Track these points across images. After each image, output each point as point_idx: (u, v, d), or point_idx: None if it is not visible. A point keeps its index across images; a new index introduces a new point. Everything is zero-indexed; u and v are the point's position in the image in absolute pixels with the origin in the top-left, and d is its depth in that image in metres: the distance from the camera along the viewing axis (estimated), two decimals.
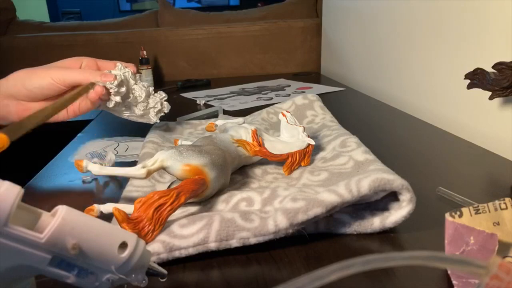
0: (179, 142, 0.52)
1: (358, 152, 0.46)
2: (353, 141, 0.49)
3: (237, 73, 1.52)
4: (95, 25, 1.60)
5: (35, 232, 0.21)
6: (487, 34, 0.64)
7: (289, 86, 1.20)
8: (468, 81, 0.57)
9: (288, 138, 0.49)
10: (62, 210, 0.23)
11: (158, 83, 1.35)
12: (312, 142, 0.47)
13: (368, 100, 0.97)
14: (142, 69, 1.26)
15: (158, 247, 0.32)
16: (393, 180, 0.34)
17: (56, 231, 0.22)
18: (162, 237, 0.33)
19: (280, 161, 0.47)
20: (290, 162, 0.47)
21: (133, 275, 0.25)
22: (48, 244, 0.21)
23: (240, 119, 0.52)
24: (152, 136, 0.60)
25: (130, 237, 0.25)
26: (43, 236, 0.21)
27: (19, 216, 0.21)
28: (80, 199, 0.47)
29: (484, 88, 0.55)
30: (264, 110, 0.68)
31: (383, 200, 0.37)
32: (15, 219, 0.21)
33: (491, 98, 0.55)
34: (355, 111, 0.87)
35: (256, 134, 0.47)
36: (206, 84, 1.30)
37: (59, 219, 0.22)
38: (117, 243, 0.24)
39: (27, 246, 0.21)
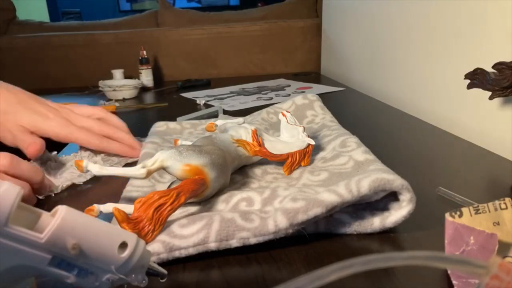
0: (179, 142, 0.52)
1: (358, 152, 0.46)
2: (353, 141, 0.49)
3: (237, 73, 1.52)
4: (95, 25, 1.60)
5: (35, 232, 0.21)
6: (487, 34, 0.64)
7: (289, 86, 1.20)
8: (468, 81, 0.57)
9: (288, 138, 0.49)
10: (62, 210, 0.23)
11: (158, 83, 1.35)
12: (312, 142, 0.47)
13: (368, 100, 0.97)
14: (142, 69, 1.26)
15: (158, 247, 0.32)
16: (393, 180, 0.34)
17: (56, 231, 0.22)
18: (162, 237, 0.33)
19: (280, 161, 0.47)
20: (290, 162, 0.47)
21: (133, 275, 0.25)
22: (48, 244, 0.21)
23: (240, 119, 0.52)
24: (152, 136, 0.60)
25: (130, 237, 0.25)
26: (43, 236, 0.21)
27: (19, 216, 0.21)
28: (80, 199, 0.47)
29: (484, 88, 0.55)
30: (264, 110, 0.67)
31: (383, 200, 0.37)
32: (15, 219, 0.21)
33: (491, 98, 0.55)
34: (355, 111, 0.87)
35: (256, 134, 0.47)
36: (206, 84, 1.30)
37: (59, 219, 0.22)
38: (117, 243, 0.24)
39: (27, 246, 0.21)
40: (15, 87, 0.54)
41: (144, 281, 0.26)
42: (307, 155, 0.48)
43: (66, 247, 0.22)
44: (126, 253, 0.24)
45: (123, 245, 0.24)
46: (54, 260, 0.22)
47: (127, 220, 0.32)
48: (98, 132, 0.51)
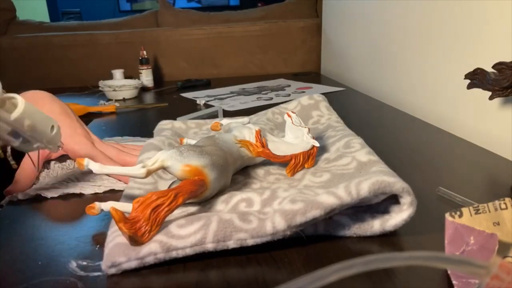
0: (184, 141, 0.52)
1: (362, 153, 0.45)
2: (357, 142, 0.49)
3: (237, 73, 1.52)
4: (95, 25, 1.60)
5: (6, 113, 0.33)
6: (487, 34, 0.64)
7: (289, 86, 1.20)
8: (468, 81, 0.57)
9: (293, 140, 0.48)
10: (22, 102, 0.34)
11: (158, 83, 1.35)
12: (317, 144, 0.47)
13: (368, 100, 0.97)
14: (142, 69, 1.26)
15: (155, 247, 0.32)
16: (393, 183, 0.34)
17: (21, 115, 0.34)
18: (160, 237, 0.33)
19: (283, 162, 0.47)
20: (293, 164, 0.46)
21: (51, 146, 0.41)
22: (13, 122, 0.34)
23: (245, 119, 0.51)
24: (160, 132, 0.60)
25: (56, 122, 0.40)
26: (12, 116, 0.33)
27: None
28: (82, 196, 0.47)
29: (484, 88, 0.55)
30: (270, 110, 0.67)
31: (384, 202, 0.37)
32: None
33: (491, 98, 0.55)
34: (355, 111, 0.87)
35: (260, 134, 0.46)
36: (206, 84, 1.30)
37: (22, 107, 0.34)
38: (50, 126, 0.39)
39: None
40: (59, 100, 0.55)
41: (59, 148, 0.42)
42: (311, 157, 0.47)
43: (24, 124, 0.35)
44: (54, 132, 0.40)
45: (52, 128, 0.40)
46: (12, 131, 0.35)
47: (124, 220, 0.32)
48: (115, 159, 0.52)
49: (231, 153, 0.43)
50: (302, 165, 0.47)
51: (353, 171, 0.43)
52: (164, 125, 0.65)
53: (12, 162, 0.57)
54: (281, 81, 1.29)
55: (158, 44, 1.47)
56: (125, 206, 0.36)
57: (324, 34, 1.48)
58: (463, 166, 0.54)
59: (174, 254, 0.32)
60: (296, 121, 0.49)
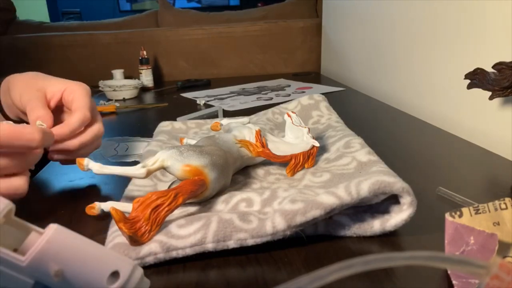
0: (184, 141, 0.52)
1: (362, 153, 0.45)
2: (357, 142, 0.49)
3: (237, 73, 1.52)
4: (95, 25, 1.60)
5: (17, 255, 0.20)
6: (487, 34, 0.64)
7: (289, 86, 1.20)
8: (468, 81, 0.57)
9: (293, 139, 0.48)
10: (49, 231, 0.21)
11: (158, 83, 1.35)
12: (317, 144, 0.47)
13: (368, 100, 0.97)
14: (142, 69, 1.26)
15: (155, 247, 0.32)
16: (393, 183, 0.34)
17: (38, 255, 0.20)
18: (160, 237, 0.33)
19: (283, 162, 0.47)
20: (293, 164, 0.46)
21: None
22: (29, 268, 0.20)
23: (245, 119, 0.51)
24: (159, 134, 0.60)
25: (124, 265, 0.22)
26: (24, 259, 0.20)
27: (6, 233, 0.20)
28: (82, 197, 0.47)
29: (484, 88, 0.55)
30: (270, 110, 0.67)
31: (384, 202, 0.37)
32: (1, 237, 0.20)
33: (491, 98, 0.55)
34: (355, 111, 0.87)
35: (259, 134, 0.46)
36: (206, 84, 1.30)
37: (43, 242, 0.20)
38: (108, 272, 0.22)
39: (8, 268, 0.20)
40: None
41: None
42: (311, 157, 0.48)
43: (49, 273, 0.20)
44: (117, 283, 0.22)
45: (115, 274, 0.22)
46: (37, 286, 0.20)
47: (124, 220, 0.32)
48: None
49: (231, 153, 0.44)
50: (302, 165, 0.47)
51: (353, 171, 0.43)
52: (164, 127, 0.65)
53: None
54: (281, 81, 1.29)
55: (158, 44, 1.47)
56: (125, 206, 0.36)
57: (324, 34, 1.48)
58: (463, 166, 0.54)
59: (174, 254, 0.32)
60: (296, 121, 0.49)
